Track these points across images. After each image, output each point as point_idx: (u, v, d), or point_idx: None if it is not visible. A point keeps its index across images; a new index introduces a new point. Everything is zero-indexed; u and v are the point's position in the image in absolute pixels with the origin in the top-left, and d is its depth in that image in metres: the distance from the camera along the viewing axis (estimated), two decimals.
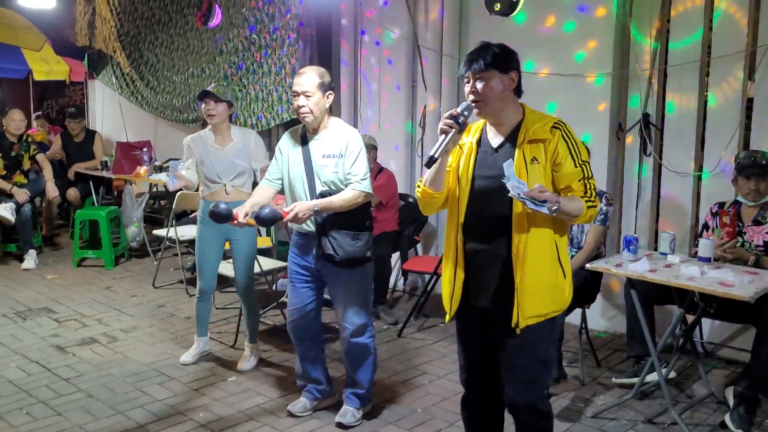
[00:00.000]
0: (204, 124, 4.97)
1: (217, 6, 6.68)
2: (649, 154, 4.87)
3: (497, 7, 4.75)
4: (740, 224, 4.02)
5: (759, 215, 3.99)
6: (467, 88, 2.64)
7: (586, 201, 2.55)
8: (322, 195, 3.40)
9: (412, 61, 6.01)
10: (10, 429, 3.60)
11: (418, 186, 2.75)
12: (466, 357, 2.88)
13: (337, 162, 3.41)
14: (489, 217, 2.64)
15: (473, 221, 2.67)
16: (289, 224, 3.40)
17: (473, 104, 2.61)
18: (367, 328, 3.59)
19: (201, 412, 3.81)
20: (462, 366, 2.91)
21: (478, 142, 2.71)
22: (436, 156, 2.55)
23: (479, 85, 2.59)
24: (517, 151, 2.59)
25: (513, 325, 2.61)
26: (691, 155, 4.70)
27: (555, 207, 2.41)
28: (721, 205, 4.15)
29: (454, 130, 2.54)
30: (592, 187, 2.59)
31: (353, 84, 6.44)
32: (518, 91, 2.68)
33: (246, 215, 3.43)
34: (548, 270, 2.62)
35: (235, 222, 3.42)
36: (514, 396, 2.73)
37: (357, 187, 3.40)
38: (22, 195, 6.75)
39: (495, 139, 2.69)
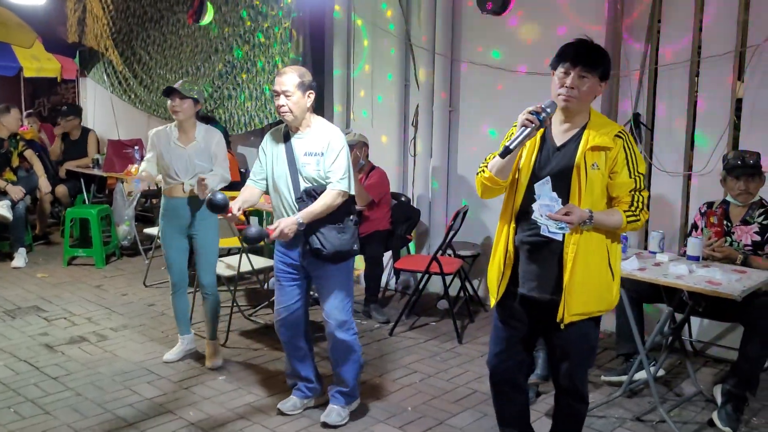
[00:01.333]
0: (203, 119, 4.99)
1: (208, 3, 6.67)
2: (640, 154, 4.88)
3: (489, 5, 4.76)
4: (728, 224, 4.04)
5: (747, 215, 4.01)
6: (566, 80, 2.64)
7: (628, 215, 2.67)
8: (306, 192, 3.42)
9: (405, 60, 6.01)
10: None
11: (483, 171, 2.79)
12: (501, 341, 2.97)
13: (318, 160, 3.43)
14: None
15: (527, 214, 2.73)
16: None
17: (565, 98, 2.64)
18: (348, 325, 3.58)
19: (191, 411, 3.81)
20: (495, 348, 3.00)
21: (542, 138, 2.76)
22: (512, 148, 2.61)
23: (580, 83, 2.63)
24: (578, 154, 2.66)
25: (558, 320, 2.73)
26: (681, 155, 4.72)
27: (586, 224, 2.61)
28: (710, 204, 4.17)
29: (534, 125, 2.59)
30: (641, 199, 2.70)
31: (346, 82, 6.44)
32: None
33: (239, 209, 3.46)
34: (598, 272, 2.73)
35: (229, 215, 3.44)
36: (563, 380, 2.91)
37: (336, 186, 3.40)
38: (17, 192, 6.72)
39: (559, 137, 2.75)
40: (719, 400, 3.78)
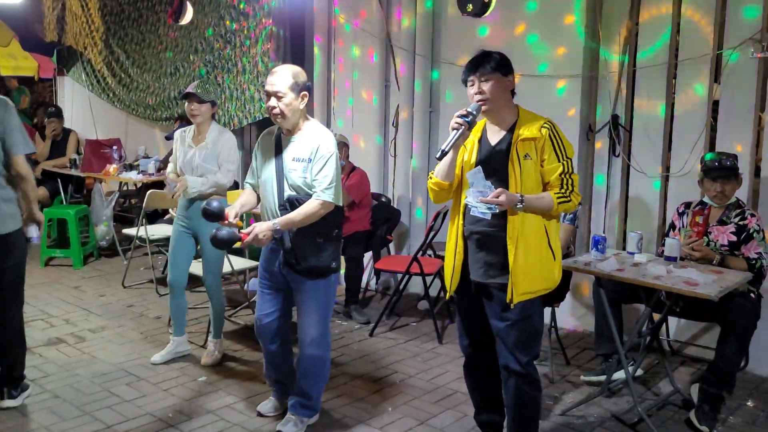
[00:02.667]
0: (182, 122, 5.00)
1: (187, 2, 6.63)
2: (618, 155, 4.93)
3: (470, 8, 4.78)
4: (707, 224, 4.08)
5: (724, 215, 4.05)
6: (472, 90, 2.99)
7: (559, 196, 2.94)
8: (289, 200, 3.29)
9: (386, 61, 6.02)
10: None
11: (430, 177, 3.14)
12: (466, 327, 3.28)
13: (305, 167, 3.29)
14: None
15: (469, 210, 3.03)
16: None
17: (481, 103, 2.97)
18: (323, 341, 3.47)
19: (170, 413, 3.78)
20: (462, 335, 3.32)
21: (480, 141, 3.08)
22: (446, 150, 2.93)
23: (486, 86, 2.96)
24: (511, 148, 2.96)
25: (507, 300, 2.97)
26: (659, 156, 4.77)
27: (518, 207, 2.89)
28: (688, 205, 4.21)
29: (463, 127, 2.91)
30: (571, 182, 2.97)
31: (326, 83, 6.43)
32: (513, 93, 3.08)
33: (236, 216, 3.33)
34: (539, 252, 2.99)
35: (226, 222, 3.30)
36: (507, 362, 3.08)
37: (320, 196, 3.25)
38: None
39: (494, 137, 3.06)
40: (696, 399, 3.82)
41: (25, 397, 3.85)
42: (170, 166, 4.49)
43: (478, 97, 2.97)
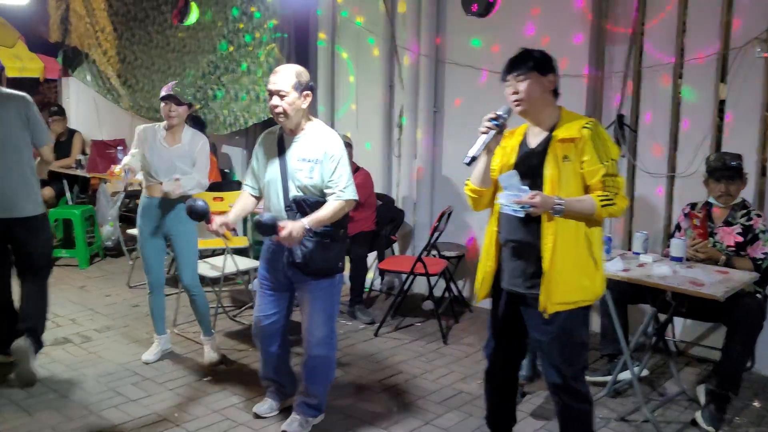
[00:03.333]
0: (192, 123, 5.03)
1: (193, 3, 6.64)
2: (624, 155, 4.92)
3: (474, 8, 4.78)
4: (711, 225, 4.08)
5: (730, 216, 4.04)
6: (508, 90, 2.85)
7: (602, 199, 2.74)
8: (295, 201, 3.28)
9: (390, 62, 6.02)
10: None
11: (467, 184, 3.00)
12: (494, 334, 3.12)
13: (312, 167, 3.27)
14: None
15: (509, 216, 2.83)
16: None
17: (515, 104, 2.83)
18: (329, 341, 3.48)
19: (175, 412, 3.79)
20: (488, 341, 3.16)
21: (521, 144, 2.94)
22: (475, 156, 2.80)
23: (521, 86, 2.81)
24: (548, 150, 2.80)
25: (540, 309, 2.80)
26: (665, 156, 4.76)
27: (557, 209, 2.69)
28: (693, 205, 4.20)
29: (493, 131, 2.79)
30: (615, 184, 2.76)
31: (330, 84, 6.43)
32: (556, 93, 2.90)
33: (222, 225, 3.30)
34: (577, 260, 2.79)
35: (210, 227, 3.30)
36: (550, 376, 2.93)
37: (341, 196, 3.25)
38: None
39: (534, 140, 2.91)
40: (702, 399, 3.82)
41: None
42: (129, 159, 4.33)
43: (513, 97, 2.83)
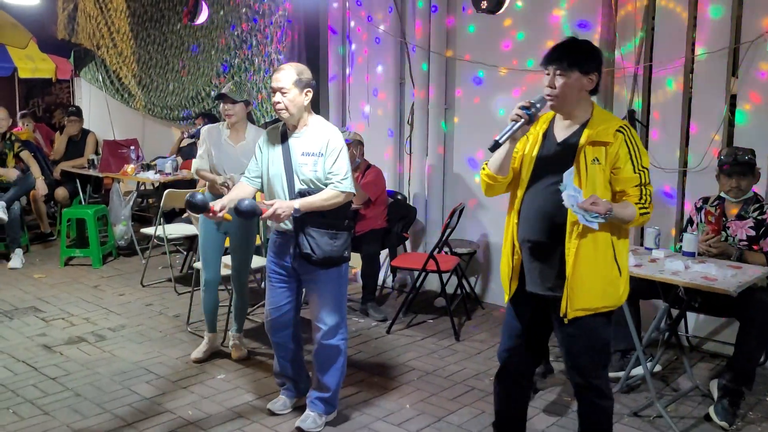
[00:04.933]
0: (205, 120, 5.08)
1: (203, 2, 6.67)
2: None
3: (484, 4, 4.77)
4: (724, 219, 4.06)
5: (742, 210, 4.03)
6: (546, 80, 2.70)
7: (640, 208, 2.65)
8: (301, 194, 3.36)
9: (400, 58, 6.02)
10: None
11: (483, 168, 2.85)
12: (509, 334, 2.98)
13: (316, 160, 3.37)
14: (544, 208, 2.73)
15: (529, 210, 2.77)
16: (268, 222, 3.36)
17: (549, 98, 2.69)
18: (339, 330, 3.52)
19: (189, 410, 3.81)
20: (502, 341, 3.02)
21: (545, 134, 2.79)
22: (500, 141, 2.65)
23: (558, 82, 2.66)
24: (578, 150, 2.67)
25: (561, 315, 2.72)
26: (676, 151, 4.74)
27: (607, 215, 2.54)
28: (705, 200, 4.19)
29: (523, 120, 2.64)
30: (648, 193, 2.68)
31: (341, 81, 6.44)
32: (594, 91, 2.75)
33: (222, 209, 3.38)
34: (602, 267, 2.70)
35: (210, 214, 3.37)
36: (575, 377, 2.86)
37: (338, 186, 3.36)
38: (11, 173, 6.74)
39: (561, 133, 2.77)
40: (715, 394, 3.80)
41: None
42: (200, 162, 4.40)
43: (548, 91, 2.68)
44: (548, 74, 2.69)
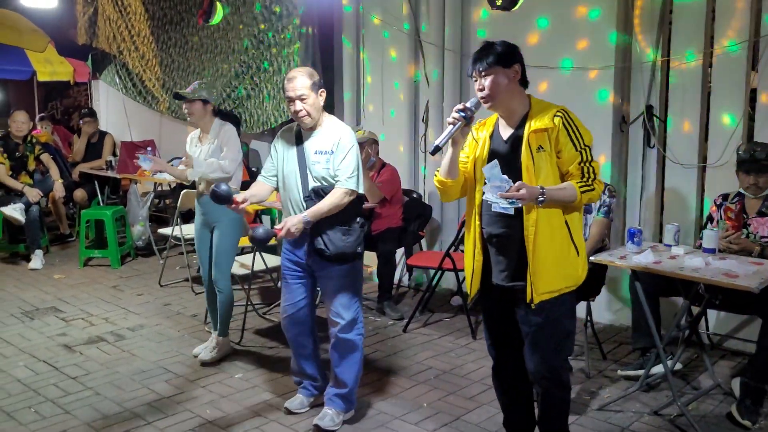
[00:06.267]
0: (226, 116, 5.18)
1: (218, 2, 6.69)
2: (653, 146, 4.86)
3: (499, 1, 4.74)
4: (745, 216, 4.01)
5: (763, 206, 3.98)
6: (476, 85, 2.85)
7: (581, 186, 2.76)
8: (314, 191, 3.42)
9: (415, 57, 6.01)
10: (19, 427, 3.63)
11: (435, 175, 3.00)
12: (491, 332, 3.12)
13: (328, 158, 3.42)
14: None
15: (488, 208, 2.89)
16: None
17: (483, 100, 2.83)
18: (356, 324, 3.55)
19: (208, 409, 3.83)
20: (488, 340, 3.16)
21: (491, 136, 2.94)
22: (440, 145, 2.78)
23: (486, 82, 2.81)
24: (523, 141, 2.81)
25: (528, 301, 2.82)
26: (695, 147, 4.69)
27: (541, 199, 2.69)
28: (725, 196, 4.14)
29: (460, 123, 2.77)
30: (591, 170, 2.80)
31: (356, 80, 6.44)
32: (524, 83, 2.89)
33: (244, 201, 3.43)
34: (559, 248, 2.83)
35: (233, 206, 3.40)
36: (537, 366, 2.94)
37: (344, 184, 3.40)
38: (34, 194, 6.81)
39: (505, 131, 2.91)
40: (737, 393, 3.75)
41: None
42: (181, 167, 4.61)
43: (480, 94, 2.83)
44: (475, 79, 2.84)
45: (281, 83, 6.86)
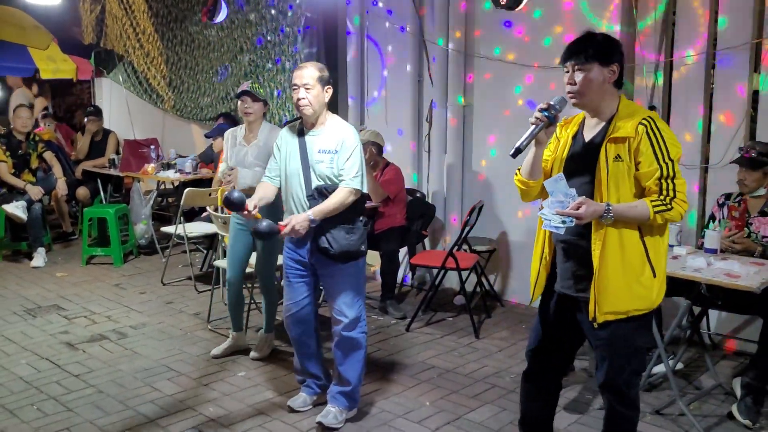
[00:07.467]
0: (225, 121, 5.14)
1: (223, 1, 6.71)
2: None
3: (504, 0, 4.75)
4: (747, 215, 4.02)
5: (765, 206, 3.98)
6: (565, 78, 2.63)
7: (656, 204, 2.51)
8: (318, 190, 3.43)
9: (419, 56, 6.01)
10: (22, 425, 3.64)
11: (516, 173, 2.81)
12: (544, 336, 2.90)
13: (332, 158, 3.44)
14: None
15: None
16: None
17: (570, 96, 2.62)
18: (359, 322, 3.56)
19: (210, 407, 3.84)
20: (533, 344, 2.94)
21: (575, 136, 2.73)
22: (521, 147, 2.59)
23: (578, 77, 2.58)
24: (601, 148, 2.58)
25: (590, 318, 2.64)
26: (698, 148, 4.69)
27: (607, 218, 2.49)
28: (728, 196, 4.15)
29: (543, 123, 2.58)
30: (671, 188, 2.52)
31: (360, 79, 6.44)
32: (618, 84, 2.65)
33: (255, 207, 3.42)
34: (630, 267, 2.58)
35: (245, 212, 3.40)
36: (602, 380, 2.75)
37: (348, 184, 3.41)
38: (36, 192, 6.82)
39: (589, 132, 2.69)
40: (738, 392, 3.76)
41: None
42: (222, 166, 4.57)
43: (568, 88, 2.60)
44: (567, 71, 2.62)
45: (285, 82, 6.89)
